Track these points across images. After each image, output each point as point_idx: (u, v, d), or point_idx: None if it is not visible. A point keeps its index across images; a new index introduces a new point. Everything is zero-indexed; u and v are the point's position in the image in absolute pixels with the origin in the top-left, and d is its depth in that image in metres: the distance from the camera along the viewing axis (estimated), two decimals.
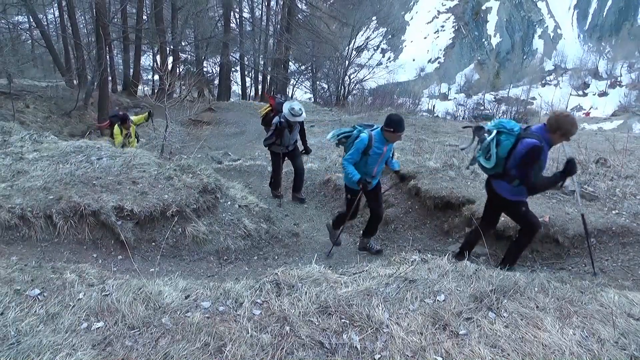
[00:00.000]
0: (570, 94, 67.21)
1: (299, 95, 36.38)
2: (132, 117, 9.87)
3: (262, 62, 30.17)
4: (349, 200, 5.47)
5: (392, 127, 4.89)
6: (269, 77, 30.62)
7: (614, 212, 5.26)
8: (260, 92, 31.18)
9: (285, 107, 6.91)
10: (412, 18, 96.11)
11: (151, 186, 5.59)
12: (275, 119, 7.08)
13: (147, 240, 5.15)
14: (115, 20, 20.35)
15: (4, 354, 2.33)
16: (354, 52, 31.82)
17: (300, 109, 6.90)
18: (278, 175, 7.75)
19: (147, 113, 10.18)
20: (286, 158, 7.64)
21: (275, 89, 29.77)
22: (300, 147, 7.75)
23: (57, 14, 27.19)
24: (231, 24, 26.55)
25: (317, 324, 2.74)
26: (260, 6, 31.35)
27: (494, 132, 4.21)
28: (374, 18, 38.00)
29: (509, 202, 4.37)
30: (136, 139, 10.07)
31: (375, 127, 5.16)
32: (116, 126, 9.51)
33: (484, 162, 4.33)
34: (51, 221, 4.76)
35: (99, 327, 2.65)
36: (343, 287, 3.21)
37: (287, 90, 31.48)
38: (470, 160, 4.74)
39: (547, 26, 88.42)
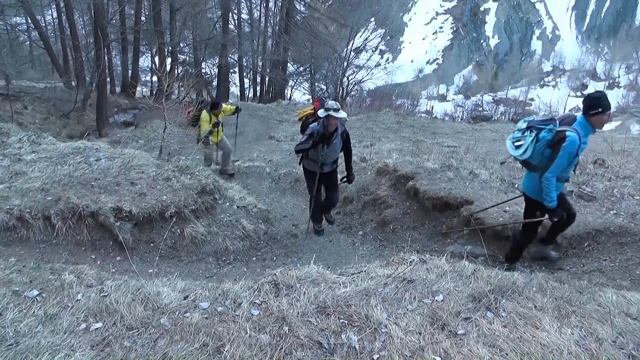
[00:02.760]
0: (569, 95, 67.31)
1: (298, 96, 36.36)
2: (224, 105, 9.27)
3: (260, 64, 30.16)
4: (555, 216, 4.27)
5: (600, 107, 3.95)
6: (267, 79, 30.63)
7: (612, 212, 5.27)
8: (259, 94, 31.19)
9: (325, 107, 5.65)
10: (410, 19, 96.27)
11: (150, 187, 5.59)
12: (314, 125, 5.81)
13: (145, 241, 5.15)
14: (114, 21, 20.31)
15: (2, 355, 2.33)
16: (353, 54, 31.82)
17: (336, 105, 5.60)
18: (317, 202, 6.29)
19: (235, 107, 9.64)
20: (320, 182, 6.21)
21: (273, 89, 29.78)
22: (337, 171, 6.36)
23: (55, 15, 27.17)
24: (230, 25, 26.52)
25: (315, 324, 2.74)
26: (258, 7, 31.36)
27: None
28: (372, 19, 38.04)
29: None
30: (223, 129, 9.40)
31: (554, 118, 4.27)
32: (204, 112, 8.81)
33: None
34: (49, 222, 4.76)
35: (97, 328, 2.65)
36: (341, 287, 3.21)
37: (285, 92, 31.49)
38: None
39: (545, 27, 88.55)
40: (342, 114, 5.58)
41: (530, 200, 4.51)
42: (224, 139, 9.26)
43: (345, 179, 6.24)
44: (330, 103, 5.57)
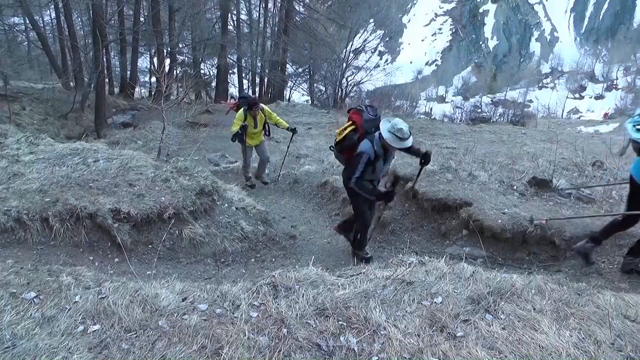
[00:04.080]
0: (567, 97, 67.50)
1: (296, 97, 36.37)
2: (265, 108, 8.23)
3: (259, 64, 30.17)
4: None
5: None
6: (266, 80, 30.63)
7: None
8: (257, 95, 31.19)
9: (384, 128, 4.62)
10: (409, 21, 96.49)
11: (148, 188, 5.58)
12: (365, 146, 4.72)
13: (143, 243, 5.14)
14: (112, 22, 20.30)
15: None
16: (352, 55, 31.81)
17: (408, 129, 4.65)
18: (366, 227, 5.37)
19: (289, 127, 8.40)
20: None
21: (272, 91, 29.79)
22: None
23: (53, 15, 27.21)
24: (229, 26, 26.54)
25: (314, 326, 2.74)
26: (257, 8, 31.38)
27: None
28: (371, 20, 38.05)
29: None
30: (264, 133, 8.30)
31: None
32: (241, 110, 7.95)
33: None
34: (47, 224, 4.74)
35: (95, 330, 2.64)
36: (340, 289, 3.20)
37: (285, 93, 31.50)
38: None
39: (544, 29, 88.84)
40: (411, 141, 4.69)
41: (637, 187, 4.33)
42: (263, 144, 8.46)
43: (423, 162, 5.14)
44: (404, 131, 4.59)
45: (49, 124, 15.92)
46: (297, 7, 27.73)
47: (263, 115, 8.05)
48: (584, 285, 3.34)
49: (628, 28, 78.66)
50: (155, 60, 23.61)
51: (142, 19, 23.54)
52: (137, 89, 26.64)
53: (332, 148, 5.48)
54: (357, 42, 32.79)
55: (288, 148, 9.41)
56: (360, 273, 3.59)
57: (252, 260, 5.58)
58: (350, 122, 5.02)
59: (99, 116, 16.55)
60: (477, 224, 5.44)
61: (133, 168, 6.05)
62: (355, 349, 2.54)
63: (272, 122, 8.25)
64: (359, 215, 5.23)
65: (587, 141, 11.50)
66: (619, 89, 70.37)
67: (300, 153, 11.09)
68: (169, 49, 23.41)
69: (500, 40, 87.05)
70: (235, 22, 28.43)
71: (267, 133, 8.38)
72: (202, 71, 28.40)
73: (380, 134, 4.68)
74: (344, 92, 31.09)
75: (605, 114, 52.28)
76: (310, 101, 31.97)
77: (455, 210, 5.93)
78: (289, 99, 32.26)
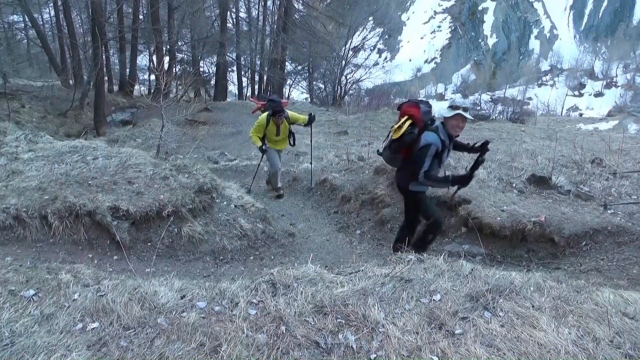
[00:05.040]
0: (567, 95, 67.42)
1: (296, 95, 36.33)
2: (289, 113, 7.66)
3: (258, 62, 30.13)
4: None
5: None
6: (265, 77, 30.59)
7: (609, 211, 5.28)
8: (257, 93, 31.15)
9: (443, 113, 4.52)
10: (408, 18, 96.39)
11: (147, 186, 5.58)
12: (431, 137, 4.40)
13: (142, 241, 5.14)
14: (111, 19, 20.29)
15: None
16: (351, 52, 31.81)
17: (465, 102, 4.65)
18: (440, 224, 4.92)
19: (308, 115, 7.79)
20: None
21: (271, 89, 29.74)
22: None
23: (52, 13, 27.18)
24: (228, 24, 26.50)
25: (312, 323, 2.74)
26: (257, 6, 31.33)
27: None
28: (370, 18, 37.93)
29: None
30: (288, 140, 7.88)
31: None
32: (263, 115, 7.42)
33: None
34: (46, 221, 4.74)
35: (94, 328, 2.64)
36: (339, 286, 3.20)
37: (284, 90, 31.49)
38: None
39: (543, 27, 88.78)
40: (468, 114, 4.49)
41: None
42: (280, 154, 8.06)
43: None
44: (458, 101, 4.57)
45: (48, 121, 15.91)
46: (296, 5, 27.69)
47: (287, 125, 7.57)
48: (583, 283, 3.33)
49: (627, 25, 78.62)
50: (154, 58, 23.55)
51: (141, 16, 23.55)
52: (136, 87, 26.62)
53: (380, 152, 5.06)
54: (356, 39, 32.76)
55: (311, 142, 8.80)
56: (359, 271, 3.59)
57: (251, 257, 5.58)
58: (406, 117, 4.57)
59: (98, 114, 16.55)
60: (475, 221, 5.45)
61: (132, 166, 6.05)
62: (354, 346, 2.54)
63: (292, 122, 7.68)
64: (429, 214, 4.80)
65: (587, 139, 11.49)
66: (618, 86, 70.34)
67: (300, 151, 11.09)
68: (168, 47, 23.36)
69: (500, 37, 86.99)
70: (234, 20, 28.41)
71: (291, 142, 7.89)
72: (201, 69, 28.36)
73: (442, 122, 4.52)
74: (343, 90, 31.09)
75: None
76: (309, 99, 31.96)
77: (454, 208, 5.93)
78: (288, 96, 32.22)
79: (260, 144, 7.41)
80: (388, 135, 4.86)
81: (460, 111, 4.36)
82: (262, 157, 8.09)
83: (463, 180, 4.57)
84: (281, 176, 8.06)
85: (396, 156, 4.82)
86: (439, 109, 4.56)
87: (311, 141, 8.76)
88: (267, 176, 8.27)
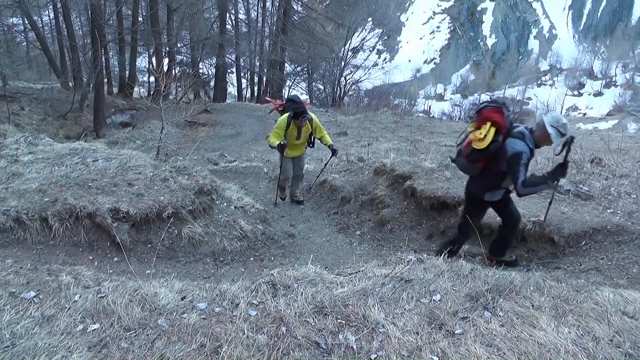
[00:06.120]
0: (566, 94, 67.45)
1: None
2: (315, 118, 7.05)
3: (258, 64, 30.14)
4: None
5: None
6: (264, 79, 30.61)
7: (609, 211, 5.28)
8: (256, 94, 31.16)
9: (547, 122, 4.14)
10: (407, 19, 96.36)
11: (147, 188, 5.58)
12: (520, 146, 4.13)
13: (143, 242, 5.14)
14: (111, 22, 20.30)
15: None
16: (350, 53, 31.81)
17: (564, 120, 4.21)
18: (517, 226, 4.84)
19: (330, 145, 7.17)
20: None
21: (271, 90, 29.76)
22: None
23: (52, 15, 27.16)
24: (227, 26, 26.52)
25: (313, 324, 2.74)
26: (256, 8, 31.34)
27: None
28: (369, 19, 37.94)
29: None
30: (307, 145, 7.32)
31: None
32: (283, 117, 6.87)
33: None
34: (46, 223, 4.74)
35: (94, 329, 2.65)
36: (339, 287, 3.21)
37: (283, 92, 31.52)
38: None
39: (542, 27, 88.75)
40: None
41: None
42: (302, 158, 7.55)
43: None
44: (563, 121, 4.16)
45: (47, 124, 15.92)
46: (295, 6, 27.69)
47: (310, 127, 7.01)
48: (583, 282, 3.34)
49: (626, 25, 78.61)
50: (153, 59, 23.58)
51: (140, 18, 23.55)
52: (135, 89, 26.62)
53: (453, 160, 4.75)
54: (355, 40, 32.75)
55: (325, 166, 8.34)
56: (359, 271, 3.60)
57: (251, 259, 5.59)
58: (490, 124, 4.13)
59: (97, 116, 16.55)
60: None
61: (132, 167, 6.05)
62: (354, 346, 2.54)
63: (317, 136, 7.18)
64: (515, 216, 4.66)
65: (586, 138, 11.49)
66: (617, 85, 70.32)
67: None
68: (167, 49, 23.38)
69: (499, 38, 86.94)
70: (234, 21, 28.44)
71: (311, 144, 7.34)
72: (200, 71, 28.38)
73: (530, 129, 4.26)
74: (342, 91, 31.10)
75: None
76: (309, 100, 31.96)
77: (454, 208, 5.94)
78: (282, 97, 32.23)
79: (278, 142, 6.74)
80: (461, 140, 4.57)
81: (554, 140, 4.14)
82: (281, 160, 7.41)
83: (562, 171, 4.25)
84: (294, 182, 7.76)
85: (474, 165, 4.46)
86: (541, 115, 4.37)
87: (324, 166, 8.34)
88: (281, 182, 7.62)
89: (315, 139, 7.24)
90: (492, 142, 4.13)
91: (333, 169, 8.64)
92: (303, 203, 7.72)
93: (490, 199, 4.54)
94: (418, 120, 19.16)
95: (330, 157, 7.73)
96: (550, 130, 4.10)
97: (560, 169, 4.22)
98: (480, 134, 4.14)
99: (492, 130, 4.12)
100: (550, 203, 4.82)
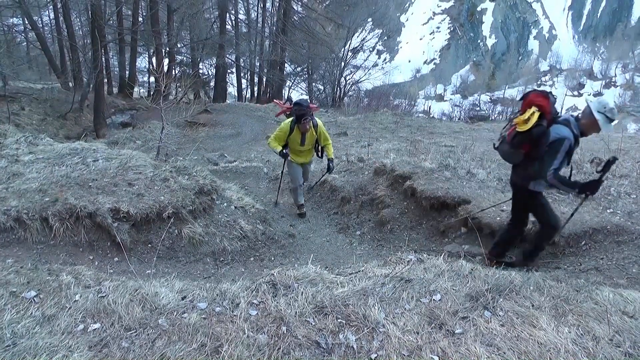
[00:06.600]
0: (566, 95, 67.40)
1: (295, 97, 36.33)
2: (320, 125, 6.74)
3: (258, 64, 30.15)
4: None
5: None
6: (264, 79, 30.62)
7: (608, 210, 5.28)
8: (256, 94, 31.17)
9: (594, 108, 4.06)
10: (407, 19, 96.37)
11: (147, 188, 5.58)
12: (564, 132, 4.04)
13: (143, 242, 5.15)
14: (111, 22, 20.30)
15: (0, 356, 2.33)
16: (350, 54, 31.84)
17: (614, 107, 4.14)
18: (556, 230, 4.57)
19: (329, 167, 6.95)
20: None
21: (271, 90, 29.77)
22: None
23: (52, 15, 27.17)
24: (227, 26, 26.53)
25: (313, 324, 2.74)
26: (256, 8, 31.36)
27: None
28: (369, 19, 37.96)
29: None
30: (313, 152, 7.01)
31: None
32: (287, 120, 6.63)
33: None
34: (47, 223, 4.75)
35: (95, 329, 2.65)
36: (339, 287, 3.21)
37: (283, 92, 31.52)
38: None
39: (542, 27, 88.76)
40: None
41: None
42: (308, 167, 7.28)
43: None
44: (611, 105, 4.09)
45: (47, 124, 15.92)
46: (295, 7, 27.70)
47: (314, 133, 6.71)
48: (583, 282, 3.35)
49: (626, 25, 78.63)
50: (153, 60, 23.61)
51: (140, 19, 23.57)
52: (135, 89, 26.63)
53: (496, 146, 4.60)
54: (355, 41, 32.79)
55: (319, 180, 8.14)
56: (359, 271, 3.60)
57: (251, 259, 5.59)
58: (534, 108, 4.06)
59: (97, 116, 16.55)
60: (475, 221, 5.46)
61: (132, 167, 6.06)
62: (354, 346, 2.54)
63: (321, 144, 6.89)
64: (547, 218, 4.48)
65: (585, 138, 11.44)
66: (617, 86, 70.32)
67: None
68: (167, 49, 23.40)
69: (499, 38, 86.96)
70: (234, 21, 28.44)
71: (318, 153, 7.03)
72: (200, 71, 28.38)
73: (576, 116, 4.16)
74: (342, 91, 31.12)
75: None
76: (308, 100, 31.93)
77: (454, 208, 5.94)
78: (288, 98, 32.21)
79: (279, 148, 6.57)
80: (505, 127, 4.48)
81: (602, 127, 4.05)
82: (284, 165, 7.21)
83: (593, 187, 4.12)
84: (282, 177, 7.85)
85: (517, 151, 4.33)
86: (587, 100, 4.18)
87: (319, 180, 8.12)
88: (292, 193, 7.38)
89: (323, 150, 6.94)
90: (535, 125, 4.04)
91: (335, 170, 8.63)
92: (305, 216, 7.25)
93: (535, 188, 4.36)
94: (418, 121, 19.16)
95: (326, 172, 7.33)
96: (597, 116, 4.02)
97: (593, 185, 4.11)
98: (524, 116, 4.07)
99: (537, 114, 4.03)
100: (571, 215, 4.68)
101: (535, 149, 4.16)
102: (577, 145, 4.17)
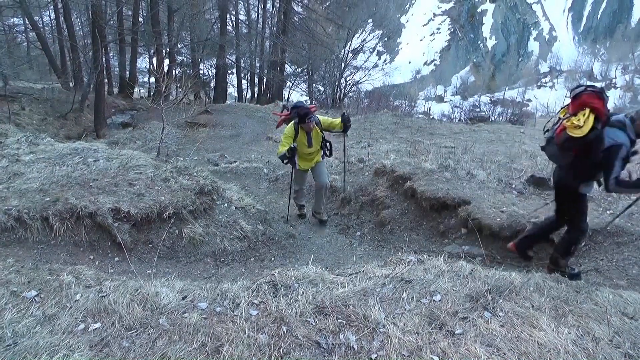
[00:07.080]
0: (566, 96, 67.39)
1: (295, 97, 36.34)
2: (320, 117, 6.61)
3: (258, 65, 30.15)
4: None
5: None
6: (265, 80, 30.61)
7: (608, 212, 5.29)
8: (256, 95, 31.18)
9: None
10: (407, 20, 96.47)
11: (148, 188, 5.59)
12: (621, 137, 3.82)
13: (143, 242, 5.15)
14: (111, 22, 20.32)
15: (0, 356, 2.33)
16: (350, 55, 31.81)
17: None
18: (585, 234, 4.51)
19: (341, 117, 6.53)
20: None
21: (271, 91, 29.77)
22: None
23: (52, 16, 27.19)
24: (227, 27, 26.53)
25: (313, 324, 2.75)
26: (256, 9, 31.37)
27: None
28: (369, 20, 37.96)
29: None
30: (322, 151, 6.77)
31: None
32: (290, 124, 6.45)
33: None
34: (48, 223, 4.75)
35: (96, 328, 2.65)
36: (339, 287, 3.22)
37: (283, 93, 31.52)
38: None
39: (542, 28, 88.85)
40: None
41: None
42: (321, 165, 6.82)
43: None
44: None
45: (48, 124, 15.91)
46: (295, 8, 27.71)
47: (319, 131, 6.53)
48: (583, 283, 3.36)
49: (626, 27, 78.74)
50: (154, 60, 23.59)
51: (141, 19, 23.57)
52: (136, 89, 26.64)
53: (543, 147, 4.42)
54: (355, 42, 32.75)
55: (345, 152, 7.62)
56: (360, 272, 3.61)
57: (252, 259, 5.60)
58: (589, 110, 3.77)
59: (98, 116, 16.55)
60: (475, 222, 5.46)
61: (133, 168, 6.07)
62: (355, 346, 2.55)
63: (324, 127, 6.60)
64: (580, 221, 4.32)
65: None
66: (617, 87, 70.35)
67: None
68: (167, 49, 23.39)
69: (499, 39, 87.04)
70: (234, 22, 28.43)
71: (327, 152, 6.81)
72: (201, 71, 28.37)
73: (631, 117, 3.89)
74: (342, 92, 31.10)
75: None
76: (309, 101, 31.97)
77: (454, 209, 5.95)
78: (288, 99, 32.22)
79: (286, 147, 6.26)
80: (552, 124, 4.27)
81: None
82: (292, 174, 7.00)
83: None
84: (282, 177, 7.89)
85: (567, 153, 4.10)
86: None
87: (344, 152, 7.63)
88: (294, 196, 7.19)
89: (332, 146, 6.78)
90: (591, 129, 3.76)
91: (333, 170, 8.66)
92: (326, 224, 6.95)
93: (585, 191, 4.20)
94: (418, 122, 19.15)
95: (345, 134, 6.92)
96: None
97: None
98: (578, 120, 3.79)
99: (592, 117, 3.77)
100: (620, 213, 4.58)
101: (587, 152, 3.94)
102: (632, 148, 3.91)
